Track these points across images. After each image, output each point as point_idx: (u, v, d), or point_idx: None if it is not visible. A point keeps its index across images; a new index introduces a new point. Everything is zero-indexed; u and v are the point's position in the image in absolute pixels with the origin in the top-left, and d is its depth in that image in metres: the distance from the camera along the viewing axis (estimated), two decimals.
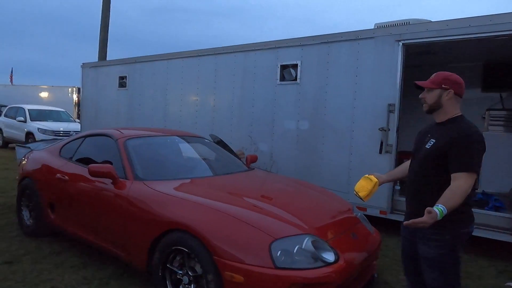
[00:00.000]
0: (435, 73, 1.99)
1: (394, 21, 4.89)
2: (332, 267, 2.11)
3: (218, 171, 3.48)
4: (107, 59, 11.84)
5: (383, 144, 4.22)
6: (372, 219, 3.49)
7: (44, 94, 21.14)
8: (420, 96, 2.01)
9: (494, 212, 3.94)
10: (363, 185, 2.23)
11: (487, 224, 3.76)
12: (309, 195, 3.19)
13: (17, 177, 4.19)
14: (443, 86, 1.92)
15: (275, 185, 3.38)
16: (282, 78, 5.09)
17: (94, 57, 12.40)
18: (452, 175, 1.80)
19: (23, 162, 4.14)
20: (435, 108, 1.96)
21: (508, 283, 2.45)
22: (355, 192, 2.27)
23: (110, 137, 3.39)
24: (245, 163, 3.89)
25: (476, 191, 1.92)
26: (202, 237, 2.20)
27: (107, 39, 12.43)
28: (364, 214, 3.09)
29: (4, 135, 11.63)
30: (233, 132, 5.57)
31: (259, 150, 5.21)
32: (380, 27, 4.74)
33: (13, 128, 11.22)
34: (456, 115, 1.93)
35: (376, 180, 2.22)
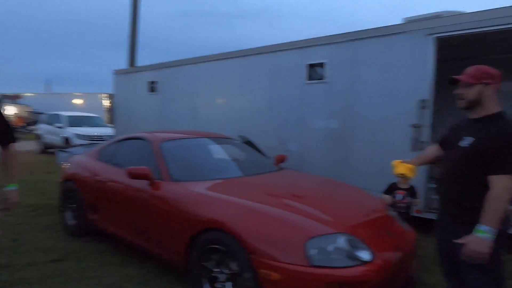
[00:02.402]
0: (472, 67, 1.88)
1: (424, 14, 4.75)
2: (369, 266, 2.10)
3: (248, 171, 3.53)
4: (137, 65, 12.25)
5: (416, 141, 4.12)
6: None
7: (77, 101, 22.15)
8: (456, 92, 1.90)
9: None
10: (405, 167, 2.29)
11: None
12: (342, 194, 3.18)
13: (59, 180, 4.43)
14: (484, 81, 1.82)
15: (307, 184, 3.39)
16: (310, 77, 5.08)
17: (123, 63, 12.88)
18: (491, 178, 1.73)
19: (66, 166, 4.38)
20: (474, 104, 1.85)
21: None
22: (399, 175, 2.33)
23: (145, 140, 3.53)
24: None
25: None
26: (238, 236, 2.25)
27: (136, 46, 12.87)
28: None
29: (44, 141, 12.30)
30: (261, 133, 5.62)
31: (288, 150, 5.22)
32: (410, 21, 4.63)
33: (52, 134, 11.84)
34: (495, 111, 1.84)
35: (413, 166, 2.28)
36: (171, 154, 3.26)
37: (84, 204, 3.79)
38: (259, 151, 4.78)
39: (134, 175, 2.97)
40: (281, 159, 4.02)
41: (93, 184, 3.67)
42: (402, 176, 2.32)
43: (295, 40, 5.33)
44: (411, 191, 3.23)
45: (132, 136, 3.88)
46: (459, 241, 1.78)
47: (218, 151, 3.87)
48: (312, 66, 5.05)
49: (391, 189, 3.25)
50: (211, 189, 2.81)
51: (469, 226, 1.75)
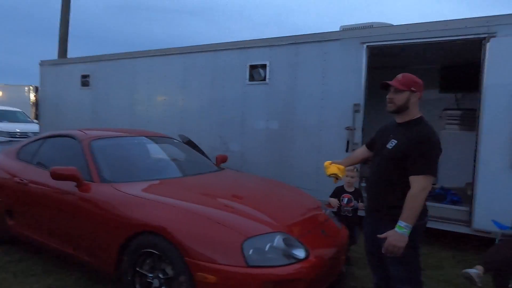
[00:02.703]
0: (401, 74, 2.03)
1: (359, 24, 5.06)
2: (303, 263, 2.16)
3: (187, 171, 3.44)
4: (68, 56, 11.30)
5: (350, 143, 4.36)
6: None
7: None
8: (388, 96, 2.03)
9: (452, 205, 4.19)
10: (335, 167, 2.35)
11: (446, 217, 3.99)
12: (280, 194, 3.24)
13: None
14: (412, 88, 1.97)
15: (245, 184, 3.40)
16: (251, 78, 5.11)
17: (52, 54, 11.81)
18: (410, 178, 1.88)
19: None
20: (402, 109, 2.00)
21: (464, 271, 2.62)
22: (331, 175, 2.37)
23: (73, 138, 3.25)
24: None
25: (434, 186, 2.05)
26: (173, 239, 2.17)
27: (68, 36, 11.87)
28: (332, 211, 3.19)
29: None
30: (202, 132, 5.52)
31: (229, 150, 5.20)
32: (346, 29, 4.90)
33: None
34: (417, 116, 2.01)
35: (343, 167, 2.37)
36: (102, 153, 3.04)
37: (0, 209, 3.37)
38: (200, 151, 4.69)
39: (58, 176, 2.71)
40: (222, 159, 3.99)
41: (10, 187, 3.29)
42: (334, 176, 2.40)
43: (238, 40, 5.33)
44: (357, 194, 3.34)
45: (59, 134, 3.55)
46: (380, 236, 1.91)
47: (155, 151, 3.71)
48: (254, 67, 5.09)
49: (337, 192, 3.33)
50: (146, 190, 2.68)
51: (392, 223, 1.88)
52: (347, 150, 4.36)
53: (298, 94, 4.76)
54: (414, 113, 2.01)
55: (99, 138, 3.25)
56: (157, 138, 3.92)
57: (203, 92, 5.58)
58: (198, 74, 5.61)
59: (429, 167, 1.87)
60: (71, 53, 11.84)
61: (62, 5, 11.67)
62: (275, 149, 4.94)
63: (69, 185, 2.77)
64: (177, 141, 4.19)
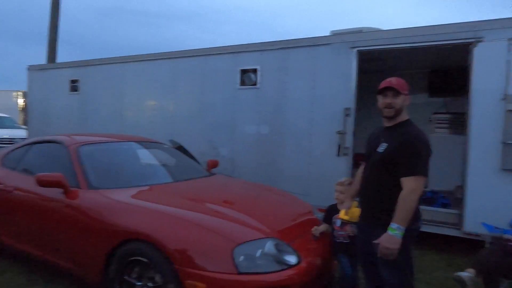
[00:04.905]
0: (394, 78, 2.03)
1: (348, 28, 5.08)
2: (295, 269, 2.12)
3: (178, 177, 3.39)
4: (57, 61, 11.15)
5: (341, 147, 4.36)
6: None
7: None
8: (386, 101, 1.99)
9: (442, 208, 4.21)
10: (353, 212, 2.24)
11: (436, 220, 4.01)
12: (271, 199, 3.21)
13: None
14: (405, 92, 2.01)
15: (236, 189, 3.36)
16: (242, 82, 5.09)
17: (41, 59, 11.64)
18: (402, 180, 1.88)
19: None
20: (399, 113, 2.00)
21: (456, 274, 2.62)
22: (346, 219, 2.28)
23: (60, 143, 3.18)
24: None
25: (425, 189, 2.04)
26: (162, 246, 2.12)
27: (57, 41, 11.73)
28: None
29: None
30: (193, 137, 5.47)
31: (220, 155, 5.16)
32: (336, 34, 4.92)
33: None
34: (405, 119, 2.03)
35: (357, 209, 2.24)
36: (90, 159, 2.98)
37: None
38: (190, 156, 4.64)
39: (44, 183, 2.64)
40: (213, 164, 3.95)
41: None
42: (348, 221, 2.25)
43: (228, 45, 5.31)
44: None
45: (45, 139, 3.48)
46: (375, 241, 1.89)
47: (145, 156, 3.65)
48: (245, 71, 5.07)
49: (330, 214, 2.66)
50: (134, 196, 2.63)
51: (385, 227, 1.87)
52: (338, 154, 4.36)
53: (288, 99, 4.75)
54: (403, 116, 2.03)
55: (86, 144, 3.19)
56: (146, 144, 3.86)
57: (193, 97, 5.55)
58: (189, 79, 5.57)
59: (420, 168, 1.87)
60: (61, 58, 11.70)
61: (51, 10, 11.54)
62: (265, 153, 4.92)
63: (55, 192, 2.71)
64: (167, 146, 4.14)
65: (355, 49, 4.28)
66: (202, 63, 5.44)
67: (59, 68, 7.44)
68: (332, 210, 2.65)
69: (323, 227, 2.62)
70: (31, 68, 7.73)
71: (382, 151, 1.99)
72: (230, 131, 5.18)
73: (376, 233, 1.92)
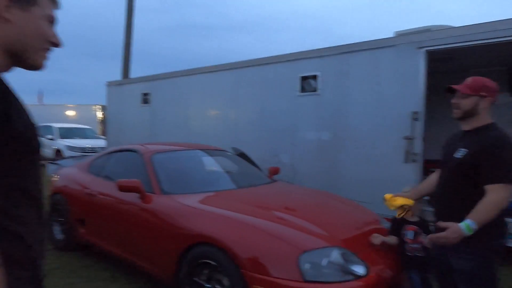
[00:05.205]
0: (471, 78, 1.90)
1: (414, 28, 4.83)
2: (363, 280, 2.06)
3: (241, 183, 3.49)
4: (130, 77, 12.23)
5: (408, 153, 4.13)
6: None
7: (70, 113, 21.95)
8: (452, 101, 1.90)
9: None
10: (403, 199, 2.18)
11: None
12: (335, 206, 3.15)
13: (48, 193, 4.34)
14: (481, 93, 1.83)
15: (299, 196, 3.36)
16: (303, 89, 5.10)
17: (116, 75, 12.85)
18: (485, 187, 1.73)
19: (54, 179, 4.29)
20: (469, 115, 1.86)
21: None
22: (399, 208, 2.23)
23: (136, 152, 3.48)
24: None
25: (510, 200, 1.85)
26: (229, 250, 2.20)
27: (130, 58, 12.87)
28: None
29: None
30: (254, 144, 5.59)
31: (281, 162, 5.20)
32: (400, 35, 4.70)
33: (43, 146, 11.67)
34: (488, 122, 1.86)
35: (412, 201, 2.17)
36: (162, 166, 3.22)
37: (73, 217, 3.70)
38: (252, 163, 4.76)
39: (124, 188, 2.91)
40: (274, 171, 4.00)
41: (82, 197, 3.59)
42: (404, 208, 2.14)
43: (287, 53, 5.37)
44: (423, 225, 2.39)
45: (123, 148, 3.83)
46: (440, 224, 1.78)
47: (210, 163, 3.84)
48: (305, 78, 5.07)
49: (396, 226, 2.44)
50: (202, 202, 2.77)
51: (463, 240, 1.73)
52: (405, 161, 4.13)
53: (351, 104, 4.64)
54: (484, 119, 1.86)
55: (158, 152, 3.45)
56: (211, 151, 4.05)
57: (254, 105, 5.68)
58: (250, 88, 5.73)
59: (507, 175, 1.71)
60: (133, 73, 12.79)
61: (125, 31, 12.72)
62: (326, 160, 4.84)
63: (133, 196, 2.96)
64: (230, 154, 4.29)
65: (423, 49, 4.04)
66: (262, 72, 5.56)
67: (132, 83, 8.16)
68: (399, 221, 2.43)
69: (390, 239, 2.42)
70: (109, 84, 8.57)
71: (460, 156, 1.84)
72: (291, 137, 5.20)
73: (452, 244, 1.79)
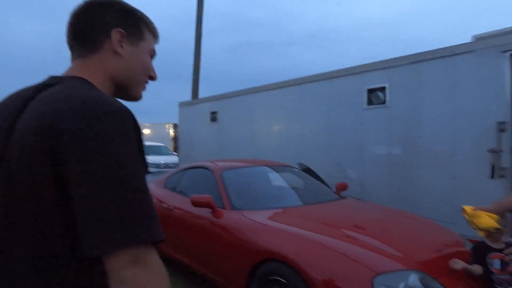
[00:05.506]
0: None
1: (495, 30, 4.42)
2: None
3: (308, 200, 3.47)
4: (199, 97, 13.02)
5: (495, 167, 3.73)
6: None
7: (146, 131, 23.97)
8: None
9: None
10: (490, 219, 1.94)
11: None
12: (409, 225, 2.96)
13: None
14: None
15: (371, 214, 3.22)
16: (369, 102, 4.94)
17: (185, 95, 13.78)
18: None
19: None
20: None
21: None
22: (480, 228, 1.99)
23: (207, 169, 3.68)
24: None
25: None
26: (300, 269, 2.20)
27: (199, 79, 13.74)
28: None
29: None
30: (320, 160, 5.53)
31: (348, 178, 5.05)
32: (479, 39, 4.33)
33: None
34: None
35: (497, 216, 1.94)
36: (232, 182, 3.35)
37: None
38: (318, 178, 4.70)
39: (197, 203, 3.09)
40: (342, 187, 3.91)
41: (160, 211, 3.88)
42: (489, 230, 1.90)
43: (352, 65, 5.27)
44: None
45: (196, 165, 4.07)
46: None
47: (277, 179, 3.88)
48: (371, 90, 4.91)
49: (480, 252, 2.20)
50: (271, 218, 2.81)
51: None
52: (492, 177, 3.73)
53: (424, 116, 4.36)
54: None
55: (228, 169, 3.60)
56: (277, 167, 4.10)
57: (319, 120, 5.64)
58: (314, 103, 5.71)
59: None
60: (201, 93, 13.61)
61: (194, 55, 13.65)
62: (398, 175, 4.57)
63: (205, 212, 3.13)
64: (296, 170, 4.30)
65: (508, 53, 3.67)
66: (327, 86, 5.52)
67: (201, 102, 8.68)
68: (482, 248, 2.20)
69: (475, 269, 2.18)
70: (181, 104, 9.22)
71: None
72: (358, 152, 5.04)
73: None
